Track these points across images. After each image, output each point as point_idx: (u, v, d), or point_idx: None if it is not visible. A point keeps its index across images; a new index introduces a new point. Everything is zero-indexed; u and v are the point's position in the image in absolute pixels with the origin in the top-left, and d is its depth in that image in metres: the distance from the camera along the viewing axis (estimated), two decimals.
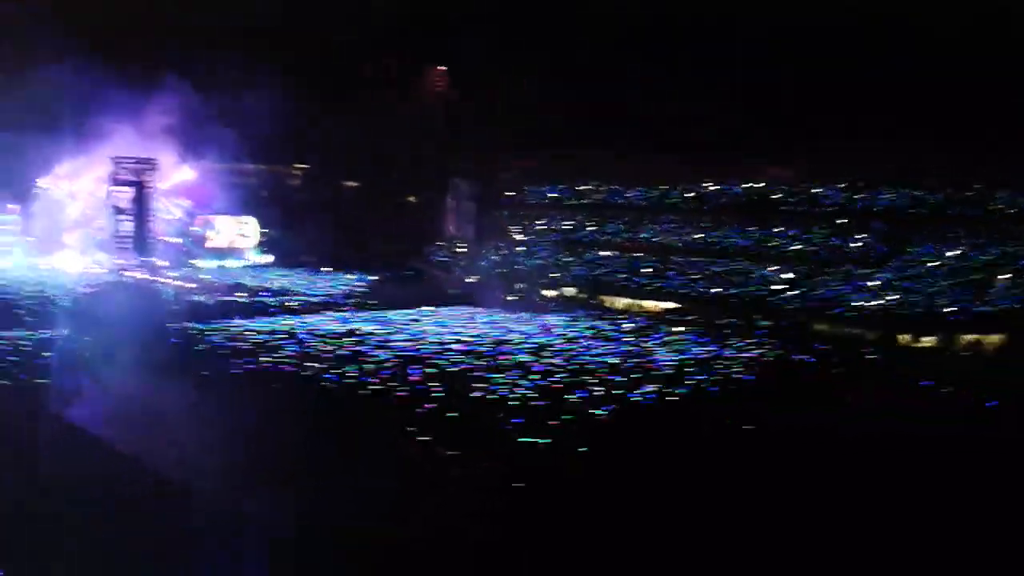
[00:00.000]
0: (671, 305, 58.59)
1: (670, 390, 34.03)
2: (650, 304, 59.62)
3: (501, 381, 34.36)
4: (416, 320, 50.34)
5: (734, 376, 37.79)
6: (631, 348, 43.42)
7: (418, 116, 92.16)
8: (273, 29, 76.12)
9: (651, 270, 64.22)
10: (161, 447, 24.79)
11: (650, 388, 34.09)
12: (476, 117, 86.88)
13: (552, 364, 38.32)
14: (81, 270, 65.03)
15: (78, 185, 75.37)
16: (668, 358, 41.01)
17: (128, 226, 71.78)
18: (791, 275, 57.53)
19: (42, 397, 29.67)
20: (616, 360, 39.89)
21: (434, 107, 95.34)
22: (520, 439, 26.48)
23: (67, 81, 68.15)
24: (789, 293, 55.20)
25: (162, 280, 64.62)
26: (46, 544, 17.17)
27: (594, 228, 75.08)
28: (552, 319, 52.69)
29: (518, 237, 77.96)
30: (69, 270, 64.75)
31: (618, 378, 35.78)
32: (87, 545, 17.23)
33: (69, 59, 67.83)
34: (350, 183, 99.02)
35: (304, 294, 60.53)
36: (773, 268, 59.08)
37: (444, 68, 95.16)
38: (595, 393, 32.98)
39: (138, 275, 66.24)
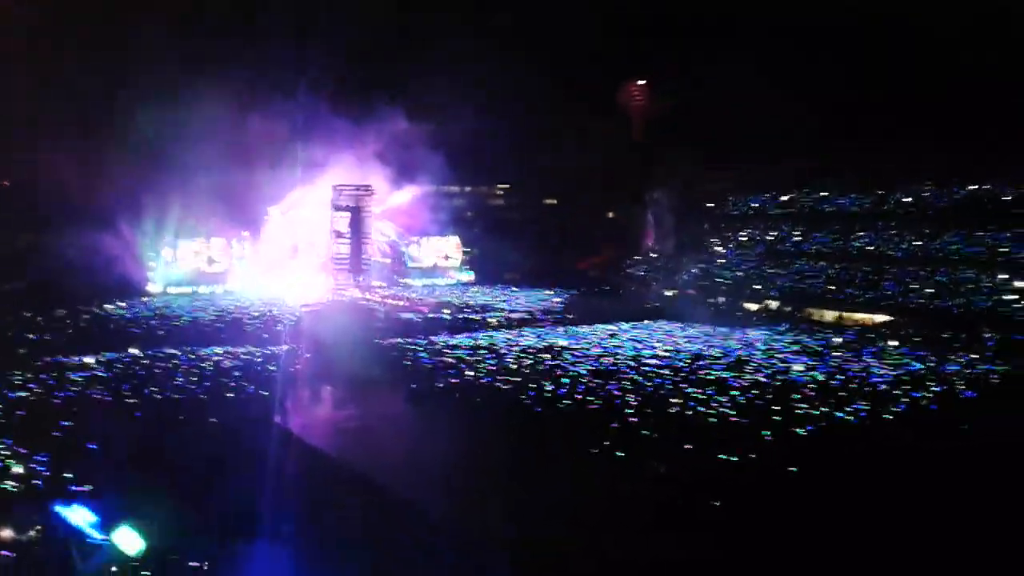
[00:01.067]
0: (885, 318, 54.95)
1: (883, 408, 31.96)
2: (861, 316, 56.28)
3: (699, 397, 33.63)
4: (613, 335, 50.24)
5: (957, 393, 34.89)
6: (840, 363, 41.16)
7: (617, 130, 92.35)
8: (469, 54, 78.80)
9: (863, 281, 60.54)
10: (370, 455, 26.31)
11: (860, 406, 32.15)
12: (675, 129, 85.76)
13: (754, 380, 37.05)
14: (303, 290, 69.92)
15: (302, 212, 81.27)
16: (881, 374, 38.51)
17: (345, 248, 76.92)
18: None
19: (266, 407, 32.21)
20: (823, 376, 37.97)
21: (633, 120, 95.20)
22: (719, 456, 25.74)
23: (291, 114, 74.54)
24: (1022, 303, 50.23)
25: (374, 299, 68.55)
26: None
27: (800, 238, 71.80)
28: (754, 333, 50.92)
29: (719, 249, 76.04)
30: (293, 290, 69.83)
31: (825, 395, 34.05)
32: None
33: (290, 94, 74.15)
34: (549, 200, 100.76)
35: (504, 310, 62.05)
36: (1003, 277, 53.84)
37: (643, 81, 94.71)
38: (799, 411, 31.57)
39: (353, 294, 70.72)
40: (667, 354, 43.54)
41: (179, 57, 73.40)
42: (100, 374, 36.84)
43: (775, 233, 73.88)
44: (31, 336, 47.03)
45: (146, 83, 71.66)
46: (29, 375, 35.68)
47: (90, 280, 63.67)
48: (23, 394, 32.79)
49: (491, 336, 49.91)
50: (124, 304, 61.26)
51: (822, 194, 73.34)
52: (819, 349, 45.51)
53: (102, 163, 68.36)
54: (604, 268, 79.48)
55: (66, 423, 28.21)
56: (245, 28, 78.83)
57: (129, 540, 16.20)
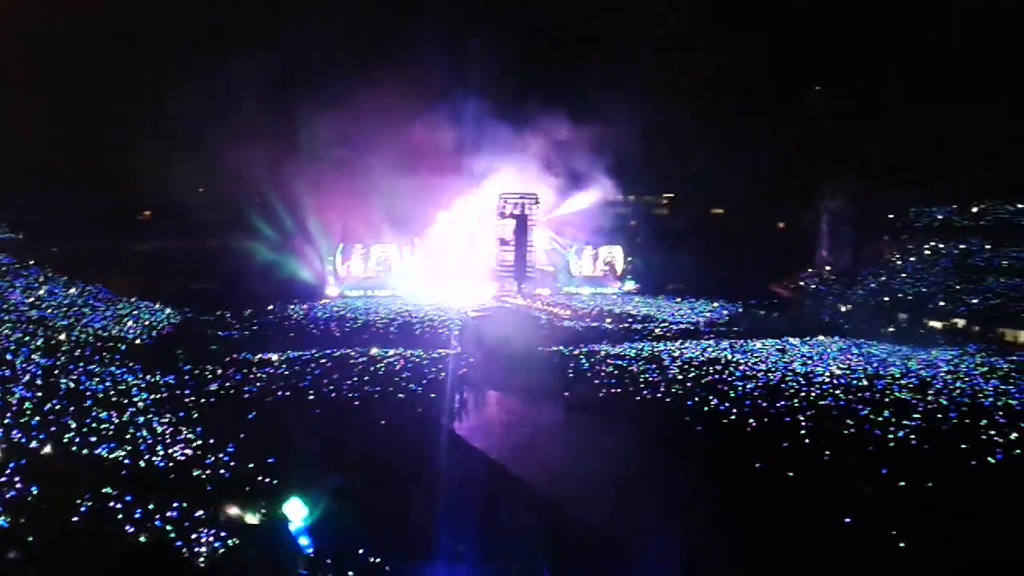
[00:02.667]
0: None
1: None
2: None
3: (876, 421, 31.91)
4: (782, 350, 48.45)
5: None
6: None
7: (790, 138, 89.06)
8: (634, 58, 78.07)
9: None
10: (534, 461, 26.73)
11: None
12: (852, 137, 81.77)
13: (937, 404, 34.72)
14: (468, 297, 71.62)
15: (468, 219, 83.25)
16: None
17: (509, 256, 78.33)
18: None
19: (432, 408, 33.37)
20: (1016, 403, 35.08)
21: (806, 128, 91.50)
22: (899, 485, 24.35)
23: (458, 121, 76.60)
24: None
25: (538, 306, 69.30)
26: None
27: (991, 252, 66.72)
28: (938, 353, 47.72)
29: (899, 263, 71.81)
30: (459, 297, 71.71)
31: (1019, 423, 31.47)
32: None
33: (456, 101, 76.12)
34: (716, 210, 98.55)
35: (667, 321, 61.18)
36: None
37: (817, 88, 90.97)
38: (984, 439, 29.35)
39: (517, 302, 71.81)
40: (841, 372, 41.58)
41: (354, 66, 76.67)
42: (282, 371, 39.43)
43: (963, 247, 69.12)
44: (221, 333, 50.99)
45: (325, 94, 75.37)
46: (219, 370, 38.76)
47: (274, 281, 68.25)
48: (213, 387, 35.64)
49: (654, 347, 49.38)
50: (305, 305, 65.05)
51: (1018, 205, 68.13)
52: (1012, 374, 42.06)
53: (286, 170, 72.95)
54: (795, 288, 76.68)
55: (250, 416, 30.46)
56: (412, 35, 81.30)
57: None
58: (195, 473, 23.43)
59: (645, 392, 36.92)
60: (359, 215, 75.20)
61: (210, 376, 37.56)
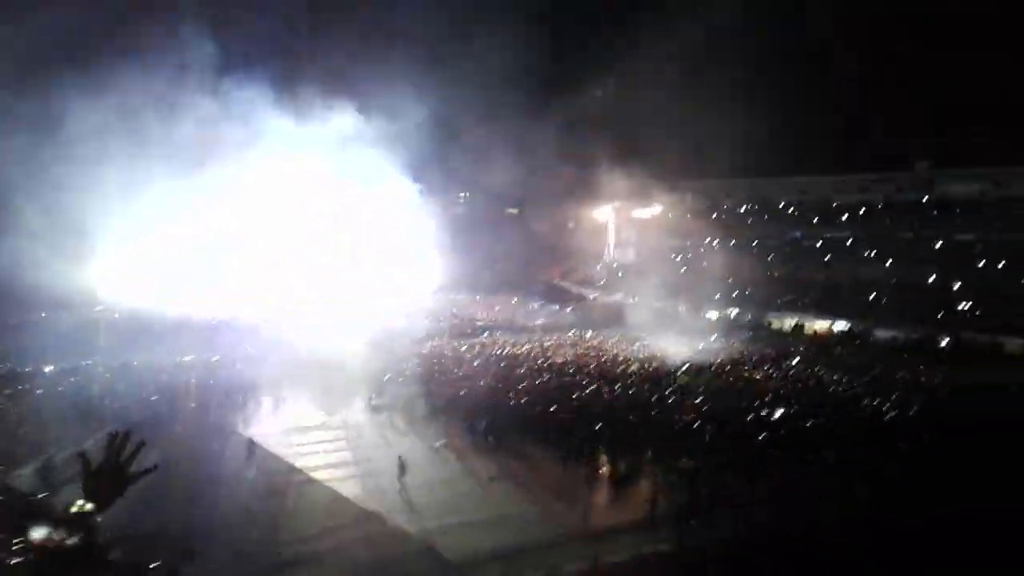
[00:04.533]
0: (844, 326, 56.05)
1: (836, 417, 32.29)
2: (819, 325, 57.37)
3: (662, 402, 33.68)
4: (575, 344, 50.38)
5: None
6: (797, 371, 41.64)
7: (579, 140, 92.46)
8: None
9: (821, 289, 61.72)
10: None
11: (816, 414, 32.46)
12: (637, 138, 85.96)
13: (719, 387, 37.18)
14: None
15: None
16: (837, 383, 39.00)
17: None
18: None
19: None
20: (778, 385, 38.36)
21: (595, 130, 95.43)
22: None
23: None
24: None
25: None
26: None
27: (756, 249, 72.91)
28: (715, 342, 51.44)
29: (678, 258, 76.76)
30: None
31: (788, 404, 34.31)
32: None
33: None
34: (511, 209, 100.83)
35: (468, 318, 61.77)
36: None
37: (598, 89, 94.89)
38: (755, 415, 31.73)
39: None
40: (632, 361, 43.75)
41: None
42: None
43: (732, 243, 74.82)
44: None
45: None
46: None
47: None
48: None
49: (455, 343, 49.70)
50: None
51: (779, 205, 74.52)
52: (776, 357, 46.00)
53: None
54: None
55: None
56: None
57: None
58: None
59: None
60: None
61: None
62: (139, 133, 67.77)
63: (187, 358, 41.96)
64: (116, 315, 59.57)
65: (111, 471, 3.27)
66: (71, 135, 65.29)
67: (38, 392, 34.23)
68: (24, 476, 22.44)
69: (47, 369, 38.95)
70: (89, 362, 40.80)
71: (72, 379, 36.99)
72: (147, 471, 3.26)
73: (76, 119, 63.77)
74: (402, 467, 24.85)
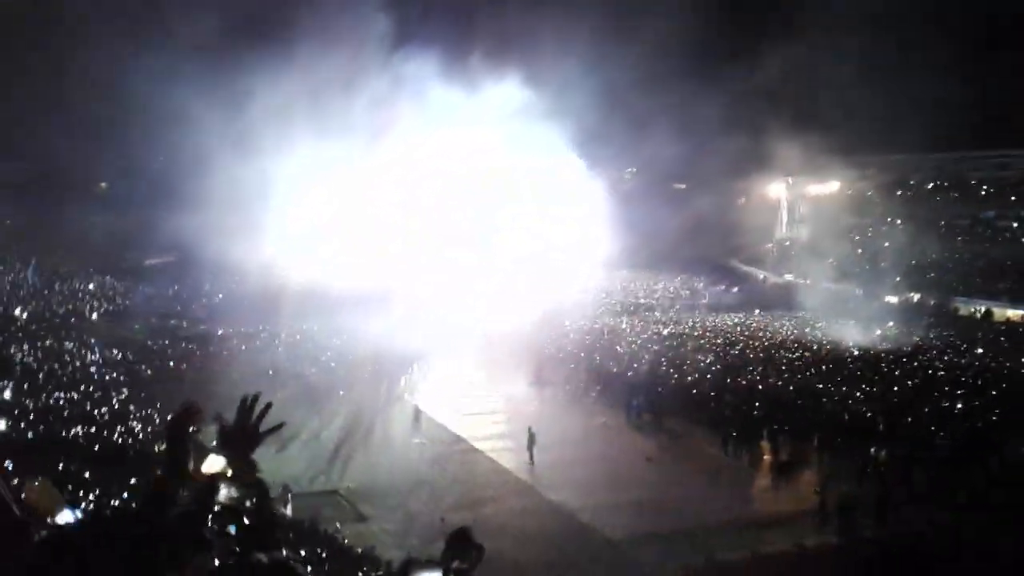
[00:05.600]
0: None
1: None
2: (1013, 312, 52.95)
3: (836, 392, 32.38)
4: (741, 324, 49.11)
5: None
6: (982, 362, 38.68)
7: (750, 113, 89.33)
8: None
9: (1015, 274, 57.05)
10: None
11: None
12: (810, 112, 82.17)
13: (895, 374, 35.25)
14: None
15: None
16: None
17: None
18: None
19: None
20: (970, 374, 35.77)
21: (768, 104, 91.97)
22: None
23: None
24: None
25: None
26: None
27: (944, 227, 68.11)
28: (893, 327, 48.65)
29: (857, 238, 72.86)
30: None
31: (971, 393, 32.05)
32: None
33: None
34: (679, 185, 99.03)
35: (631, 295, 61.29)
36: None
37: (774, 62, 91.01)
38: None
39: None
40: (798, 345, 42.23)
41: None
42: None
43: None
44: None
45: None
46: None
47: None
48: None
49: (617, 320, 49.61)
50: None
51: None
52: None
53: None
54: None
55: None
56: None
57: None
58: None
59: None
60: None
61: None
62: (316, 109, 71.42)
63: (360, 327, 44.10)
64: (299, 283, 63.19)
65: (240, 431, 3.60)
66: (253, 112, 69.87)
67: (225, 354, 37.02)
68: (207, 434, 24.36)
69: (236, 332, 42.09)
70: (271, 328, 43.72)
71: (257, 342, 39.76)
72: (275, 428, 3.55)
73: (257, 96, 68.15)
74: (531, 438, 25.00)
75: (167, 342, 36.85)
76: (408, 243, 76.08)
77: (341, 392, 30.17)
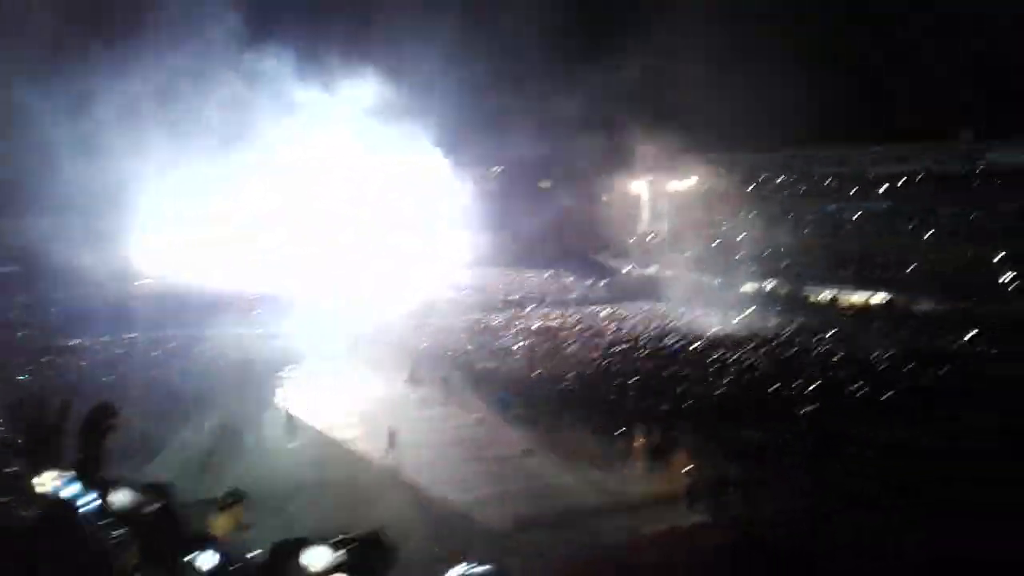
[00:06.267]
0: (883, 298, 55.45)
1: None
2: (857, 298, 56.70)
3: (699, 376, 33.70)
4: (609, 317, 50.58)
5: None
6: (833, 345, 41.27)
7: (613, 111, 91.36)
8: None
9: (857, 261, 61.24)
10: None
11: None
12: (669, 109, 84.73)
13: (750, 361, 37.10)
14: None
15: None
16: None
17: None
18: None
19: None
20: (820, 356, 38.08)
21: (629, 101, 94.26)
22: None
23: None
24: None
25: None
26: None
27: (793, 219, 72.06)
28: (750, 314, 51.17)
29: (714, 231, 76.07)
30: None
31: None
32: None
33: None
34: (544, 183, 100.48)
35: (500, 292, 62.04)
36: None
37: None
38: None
39: None
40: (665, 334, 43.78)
41: None
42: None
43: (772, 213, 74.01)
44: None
45: None
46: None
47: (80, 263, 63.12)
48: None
49: (488, 317, 50.06)
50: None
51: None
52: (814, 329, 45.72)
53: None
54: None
55: None
56: None
57: None
58: None
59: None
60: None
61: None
62: (171, 108, 68.24)
63: (227, 332, 42.62)
64: (157, 289, 60.42)
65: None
66: (106, 113, 66.07)
67: (82, 364, 35.01)
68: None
69: (90, 343, 39.79)
70: (133, 335, 41.60)
71: (116, 352, 37.76)
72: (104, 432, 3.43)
73: (108, 96, 64.57)
74: (392, 438, 24.87)
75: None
76: (273, 245, 73.92)
77: (210, 399, 28.99)
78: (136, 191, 62.83)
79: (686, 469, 22.94)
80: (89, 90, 65.76)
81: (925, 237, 60.27)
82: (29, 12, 53.37)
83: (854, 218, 67.70)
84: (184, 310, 51.16)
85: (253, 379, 33.49)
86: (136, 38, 64.15)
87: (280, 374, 34.18)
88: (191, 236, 73.32)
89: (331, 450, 26.05)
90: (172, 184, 65.70)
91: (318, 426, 28.45)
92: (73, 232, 66.43)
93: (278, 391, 31.95)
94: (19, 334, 42.04)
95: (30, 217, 68.32)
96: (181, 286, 62.08)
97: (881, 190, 66.58)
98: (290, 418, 28.30)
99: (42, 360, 35.19)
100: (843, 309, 55.57)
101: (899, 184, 65.28)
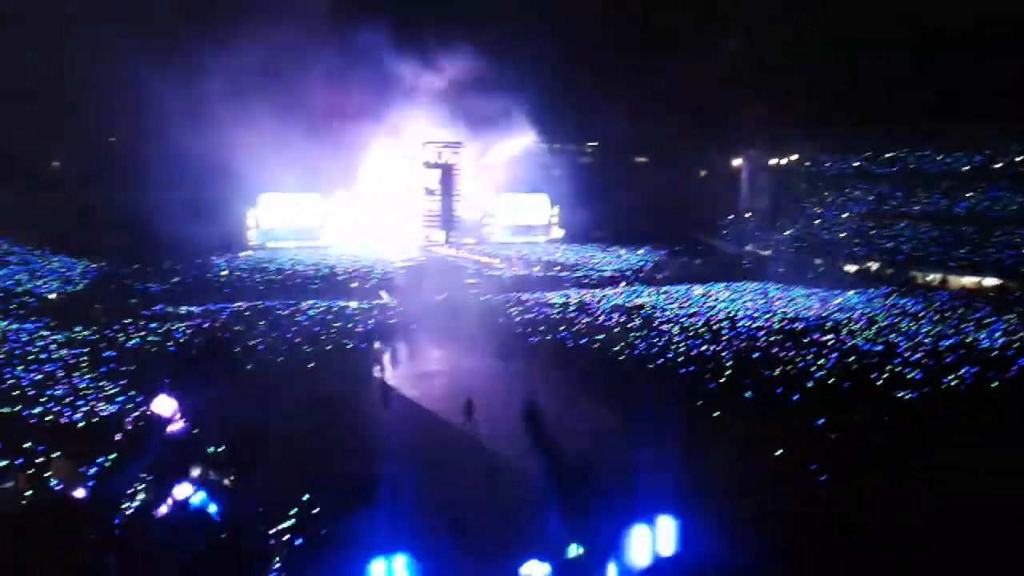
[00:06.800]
0: (994, 281, 52.81)
1: (987, 375, 30.76)
2: (968, 280, 54.19)
3: (796, 360, 33.02)
4: (704, 295, 49.71)
5: None
6: (941, 329, 39.74)
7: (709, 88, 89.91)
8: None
9: (969, 244, 58.30)
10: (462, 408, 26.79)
11: (965, 371, 31.05)
12: (770, 86, 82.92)
13: (851, 344, 36.08)
14: (395, 247, 71.00)
15: (393, 167, 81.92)
16: (987, 340, 37.02)
17: (435, 205, 77.89)
18: None
19: (362, 360, 33.16)
20: (928, 341, 36.72)
21: (726, 78, 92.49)
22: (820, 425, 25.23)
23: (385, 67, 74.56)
24: None
25: (465, 256, 69.29)
26: None
27: (902, 198, 69.23)
28: (853, 296, 49.54)
29: (816, 210, 73.94)
30: (385, 247, 71.02)
31: (928, 361, 32.95)
32: None
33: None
34: (640, 158, 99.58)
35: (594, 269, 61.91)
36: None
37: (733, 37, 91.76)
38: (902, 375, 30.68)
39: (444, 251, 71.62)
40: (760, 315, 42.87)
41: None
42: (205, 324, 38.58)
43: (876, 193, 71.42)
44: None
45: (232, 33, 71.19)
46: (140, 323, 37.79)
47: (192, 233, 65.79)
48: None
49: (581, 294, 50.01)
50: (225, 257, 63.51)
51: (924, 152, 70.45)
52: (920, 313, 44.06)
53: (196, 116, 68.25)
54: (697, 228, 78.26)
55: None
56: None
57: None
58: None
59: (573, 340, 37.32)
60: (280, 162, 72.38)
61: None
62: (274, 92, 70.59)
63: (329, 304, 43.96)
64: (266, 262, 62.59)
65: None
66: (214, 89, 68.71)
67: (188, 329, 36.67)
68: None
69: (195, 310, 41.60)
70: (237, 305, 43.32)
71: (219, 320, 39.39)
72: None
73: (218, 73, 67.21)
74: (468, 408, 25.63)
75: None
76: (371, 220, 75.63)
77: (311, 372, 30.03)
78: (247, 167, 65.54)
79: (776, 454, 22.48)
80: (200, 65, 68.84)
81: None
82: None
83: (966, 197, 64.61)
84: (286, 281, 53.07)
85: (352, 351, 34.54)
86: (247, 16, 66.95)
87: (378, 346, 34.96)
88: (298, 207, 75.97)
89: (419, 419, 26.65)
90: (278, 160, 68.18)
91: (410, 395, 29.19)
92: (185, 206, 69.56)
93: (375, 364, 32.74)
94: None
95: (145, 190, 71.84)
96: (284, 258, 64.35)
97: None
98: (386, 389, 29.27)
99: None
100: (952, 291, 53.20)
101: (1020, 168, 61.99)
